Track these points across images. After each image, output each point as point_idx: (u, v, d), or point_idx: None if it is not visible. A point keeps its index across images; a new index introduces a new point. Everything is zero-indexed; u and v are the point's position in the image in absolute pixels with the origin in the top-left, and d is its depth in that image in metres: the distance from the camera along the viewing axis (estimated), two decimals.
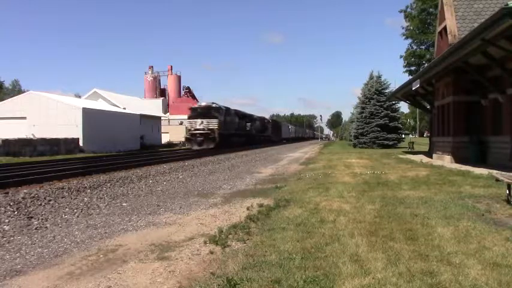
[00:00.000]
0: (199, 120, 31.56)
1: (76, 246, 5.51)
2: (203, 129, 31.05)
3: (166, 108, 68.51)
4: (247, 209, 7.61)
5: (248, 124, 44.12)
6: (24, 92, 52.41)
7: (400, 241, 4.88)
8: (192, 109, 33.63)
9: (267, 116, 73.03)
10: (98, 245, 5.50)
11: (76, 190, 10.18)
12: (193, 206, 8.37)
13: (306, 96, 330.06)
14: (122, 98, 48.92)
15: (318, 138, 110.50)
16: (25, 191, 9.57)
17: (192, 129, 31.55)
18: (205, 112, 32.30)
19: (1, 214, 7.40)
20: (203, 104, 34.55)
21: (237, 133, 38.34)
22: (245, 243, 5.15)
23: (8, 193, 9.17)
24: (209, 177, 14.21)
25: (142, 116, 43.72)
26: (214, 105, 34.06)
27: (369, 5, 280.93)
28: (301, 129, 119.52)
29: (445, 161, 17.50)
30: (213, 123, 31.53)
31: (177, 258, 4.74)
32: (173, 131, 54.82)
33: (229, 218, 6.89)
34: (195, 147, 30.55)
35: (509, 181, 7.12)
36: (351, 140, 45.18)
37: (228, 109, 37.12)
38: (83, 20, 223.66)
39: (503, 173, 8.45)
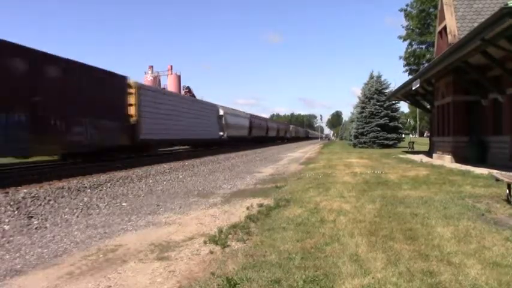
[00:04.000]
0: None
1: (76, 246, 5.50)
2: None
3: None
4: (247, 208, 7.61)
5: None
6: None
7: (400, 241, 4.88)
8: None
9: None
10: (97, 245, 5.50)
11: (76, 190, 10.18)
12: (193, 206, 8.36)
13: (306, 96, 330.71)
14: None
15: (318, 138, 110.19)
16: (25, 190, 9.57)
17: None
18: None
19: (1, 214, 7.40)
20: None
21: None
22: (245, 243, 5.15)
23: (8, 193, 9.18)
24: (209, 177, 14.20)
25: None
26: None
27: (368, 4, 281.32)
28: (271, 123, 65.34)
29: (445, 160, 17.50)
30: None
31: (176, 258, 4.73)
32: None
33: (229, 218, 6.88)
34: None
35: (509, 181, 7.11)
36: (351, 140, 45.16)
37: None
38: (83, 19, 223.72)
39: (503, 172, 8.45)
